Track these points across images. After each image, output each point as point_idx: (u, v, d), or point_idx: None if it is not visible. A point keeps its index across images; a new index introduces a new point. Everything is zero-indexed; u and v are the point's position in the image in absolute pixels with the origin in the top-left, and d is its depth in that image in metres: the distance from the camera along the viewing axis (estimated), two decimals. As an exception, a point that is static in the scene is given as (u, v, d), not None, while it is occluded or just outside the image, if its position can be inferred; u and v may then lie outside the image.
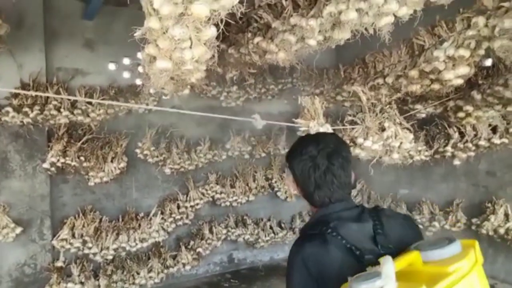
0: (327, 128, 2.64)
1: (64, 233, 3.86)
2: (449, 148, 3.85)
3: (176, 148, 4.46)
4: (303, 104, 2.61)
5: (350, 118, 3.11)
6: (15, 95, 3.59)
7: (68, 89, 4.00)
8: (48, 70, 3.95)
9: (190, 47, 1.72)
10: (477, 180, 4.10)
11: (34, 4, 3.82)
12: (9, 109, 3.57)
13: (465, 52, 2.42)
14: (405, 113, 3.53)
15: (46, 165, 3.73)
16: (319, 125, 2.62)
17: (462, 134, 3.78)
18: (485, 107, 3.12)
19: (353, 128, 3.03)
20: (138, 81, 3.80)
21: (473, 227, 3.92)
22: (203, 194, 4.67)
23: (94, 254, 3.93)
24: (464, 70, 2.56)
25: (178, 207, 4.52)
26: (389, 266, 0.94)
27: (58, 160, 3.72)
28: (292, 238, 5.34)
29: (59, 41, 4.05)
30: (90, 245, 3.89)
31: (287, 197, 5.13)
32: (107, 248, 3.97)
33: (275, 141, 5.00)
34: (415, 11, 2.06)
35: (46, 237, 3.90)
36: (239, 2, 1.56)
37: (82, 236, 3.90)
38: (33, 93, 3.39)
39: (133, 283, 4.10)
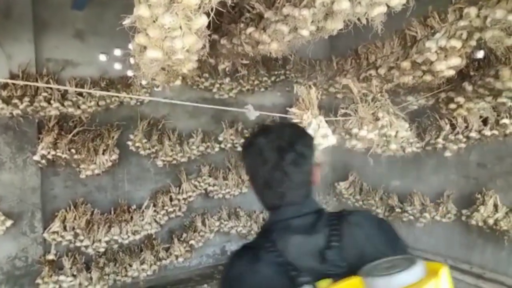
0: (320, 120, 2.64)
1: (56, 225, 3.83)
2: (440, 140, 3.87)
3: (168, 140, 4.43)
4: (298, 94, 2.60)
5: (343, 110, 3.11)
6: (4, 86, 3.53)
7: (58, 81, 3.94)
8: (38, 61, 3.89)
9: (181, 36, 1.70)
10: (467, 171, 4.14)
11: (22, -7, 3.75)
12: (-2, 100, 3.51)
13: (457, 43, 2.43)
14: (397, 105, 3.54)
15: (36, 158, 3.69)
16: (313, 116, 2.62)
17: (453, 126, 3.81)
18: (476, 99, 3.14)
19: (347, 120, 3.04)
20: (130, 73, 3.76)
21: (463, 218, 3.97)
22: (195, 186, 4.66)
23: (86, 246, 3.91)
24: (456, 61, 2.57)
25: (171, 200, 4.51)
26: None
27: (49, 153, 3.68)
28: None
29: (48, 31, 3.98)
30: (82, 237, 3.87)
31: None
32: (99, 241, 3.95)
33: (268, 134, 4.98)
34: (407, 1, 2.06)
35: (37, 230, 3.87)
36: (230, -9, 1.54)
37: (73, 228, 3.87)
38: (22, 83, 3.34)
39: (126, 276, 4.10)
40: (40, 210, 3.89)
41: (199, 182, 4.68)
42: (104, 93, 3.81)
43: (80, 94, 3.83)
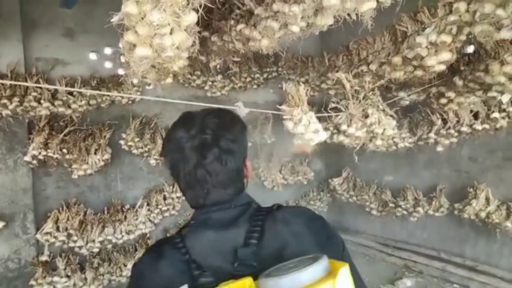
0: (311, 116, 2.65)
1: (48, 226, 3.80)
2: (432, 134, 3.90)
3: (161, 139, 4.41)
4: (287, 91, 2.60)
5: (333, 105, 3.12)
6: (-7, 87, 3.49)
7: (48, 80, 3.90)
8: (27, 60, 3.84)
9: (170, 33, 1.69)
10: (459, 166, 4.18)
11: (10, -8, 3.70)
12: (-13, 101, 3.47)
13: (447, 38, 2.44)
14: (389, 100, 3.55)
15: (27, 158, 3.65)
16: (303, 112, 2.62)
17: (444, 121, 3.84)
18: (467, 93, 3.16)
19: (337, 115, 3.05)
20: (121, 71, 3.73)
21: (456, 212, 4.00)
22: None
23: (80, 247, 3.88)
24: (446, 56, 2.58)
25: (165, 198, 4.49)
26: None
27: (40, 153, 3.65)
28: None
29: (37, 30, 3.93)
30: (75, 238, 3.84)
31: (273, 186, 5.14)
32: (93, 241, 3.93)
33: (261, 131, 4.98)
34: (397, -4, 2.06)
35: (30, 231, 3.84)
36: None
37: (66, 229, 3.85)
38: (11, 83, 3.30)
39: (121, 275, 4.08)
40: (32, 211, 3.86)
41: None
42: (95, 92, 3.77)
43: (71, 93, 3.80)
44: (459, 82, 3.09)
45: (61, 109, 3.73)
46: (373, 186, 5.03)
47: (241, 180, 1.01)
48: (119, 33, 1.80)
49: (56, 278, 3.76)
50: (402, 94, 3.67)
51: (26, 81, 3.66)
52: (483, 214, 3.72)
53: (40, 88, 3.63)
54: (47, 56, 3.99)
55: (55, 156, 3.70)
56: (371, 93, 2.87)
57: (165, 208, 4.43)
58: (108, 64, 3.89)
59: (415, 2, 2.67)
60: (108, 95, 3.97)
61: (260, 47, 2.66)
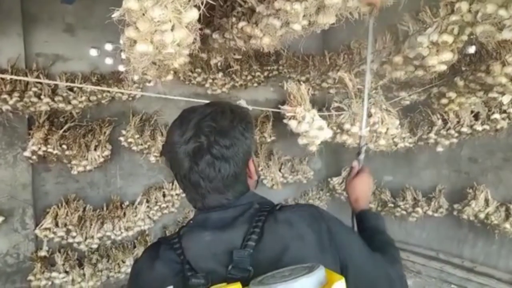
0: (314, 113, 2.64)
1: (47, 222, 3.80)
2: (432, 135, 3.90)
3: (161, 136, 4.40)
4: (289, 90, 2.59)
5: (336, 104, 3.11)
6: (-7, 82, 3.49)
7: (48, 75, 3.89)
8: (27, 55, 3.84)
9: (171, 30, 1.68)
10: (459, 166, 4.18)
11: (11, -13, 3.69)
12: (-13, 96, 3.47)
13: (448, 38, 2.43)
14: (390, 100, 3.55)
15: (27, 154, 3.65)
16: (305, 111, 2.62)
17: (445, 121, 3.84)
18: (468, 94, 3.15)
19: (339, 114, 3.04)
20: (121, 67, 3.72)
21: (455, 213, 4.00)
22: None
23: (79, 243, 3.88)
24: (448, 56, 2.57)
25: (164, 195, 4.49)
26: None
27: (40, 148, 3.64)
28: None
29: (38, 25, 3.92)
30: (74, 234, 3.84)
31: (273, 185, 5.14)
32: (92, 237, 3.92)
33: (261, 129, 4.98)
34: (399, -5, 2.05)
35: (29, 226, 3.84)
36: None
37: (65, 225, 3.84)
38: (12, 77, 3.29)
39: (119, 272, 4.08)
40: (32, 207, 3.86)
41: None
42: (95, 88, 3.77)
43: (71, 89, 3.79)
44: (460, 82, 3.09)
45: (61, 105, 3.72)
46: (372, 186, 5.02)
47: (241, 183, 0.97)
48: (120, 29, 1.80)
49: (54, 274, 3.76)
50: (402, 94, 3.66)
51: (26, 76, 3.65)
52: (482, 215, 3.73)
53: (41, 83, 3.63)
54: (48, 51, 3.98)
55: (55, 151, 3.70)
56: (374, 92, 2.87)
57: (164, 205, 4.43)
58: (108, 60, 3.88)
59: (417, 2, 2.66)
60: (109, 91, 3.96)
61: (261, 45, 2.65)
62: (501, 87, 2.81)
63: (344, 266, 0.90)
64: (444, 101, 3.37)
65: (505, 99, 2.99)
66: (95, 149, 3.93)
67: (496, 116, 3.48)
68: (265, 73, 4.97)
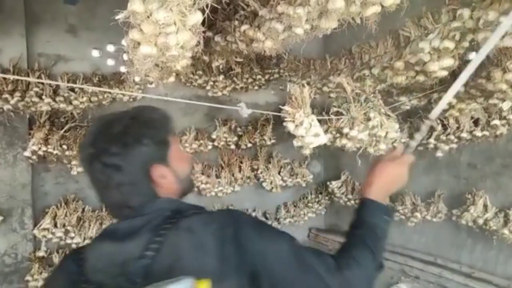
0: (312, 119, 2.65)
1: (46, 222, 3.79)
2: (432, 140, 3.91)
3: (161, 138, 4.41)
4: (291, 92, 2.60)
5: (335, 109, 3.12)
6: (-6, 81, 3.49)
7: (50, 76, 3.90)
8: (29, 55, 3.84)
9: (175, 32, 1.69)
10: (458, 172, 4.18)
11: (14, -13, 3.70)
12: (-12, 95, 3.47)
13: (450, 44, 2.45)
14: (390, 105, 3.56)
15: (27, 153, 3.65)
16: (305, 115, 2.63)
17: (445, 127, 3.85)
18: (468, 100, 3.17)
19: (338, 119, 3.05)
20: (123, 69, 3.72)
21: (454, 218, 4.00)
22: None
23: (77, 243, 3.87)
24: (449, 62, 2.59)
25: (163, 197, 4.49)
26: None
27: (40, 149, 3.64)
28: (277, 228, 5.36)
29: (40, 26, 3.93)
30: (72, 234, 3.84)
31: (272, 188, 5.14)
32: (90, 238, 3.91)
33: (261, 132, 4.99)
34: (401, 1, 2.07)
35: (27, 226, 3.83)
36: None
37: (64, 225, 3.84)
38: (13, 77, 3.30)
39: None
40: (31, 207, 3.85)
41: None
42: (97, 89, 3.78)
43: (72, 89, 3.80)
44: (460, 88, 3.10)
45: (62, 105, 3.73)
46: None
47: (144, 191, 0.92)
48: (122, 30, 1.81)
49: (52, 274, 3.75)
50: (403, 99, 3.68)
51: (28, 76, 3.66)
52: (480, 221, 3.73)
53: (42, 83, 3.63)
54: (50, 52, 3.99)
55: (55, 152, 3.70)
56: (372, 95, 2.88)
57: (163, 206, 4.43)
58: (110, 62, 3.90)
59: (419, 8, 2.68)
60: (110, 92, 3.97)
61: (263, 49, 2.66)
62: (502, 93, 2.83)
63: (257, 275, 0.84)
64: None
65: (505, 106, 3.01)
66: (95, 150, 3.92)
67: (496, 122, 3.49)
68: (266, 76, 4.99)
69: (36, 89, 3.61)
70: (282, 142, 5.00)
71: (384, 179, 1.17)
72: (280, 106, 2.69)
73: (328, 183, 5.42)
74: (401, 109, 3.85)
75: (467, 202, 3.91)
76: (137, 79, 3.81)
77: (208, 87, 4.66)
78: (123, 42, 1.98)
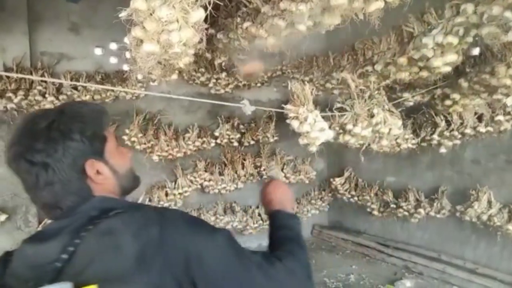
0: (316, 114, 2.65)
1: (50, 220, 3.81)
2: (435, 136, 3.89)
3: (164, 135, 4.42)
4: (293, 90, 2.59)
5: (339, 105, 3.11)
6: (-2, 80, 3.51)
7: (53, 74, 3.92)
8: (32, 54, 3.86)
9: (178, 30, 1.69)
10: (462, 167, 4.17)
11: (16, -15, 3.71)
12: (-8, 94, 3.49)
13: (453, 39, 2.43)
14: (393, 101, 3.55)
15: (31, 152, 3.66)
16: (308, 111, 2.62)
17: (448, 123, 3.83)
18: (472, 95, 3.15)
19: (342, 115, 3.04)
20: (126, 67, 3.73)
21: (457, 214, 3.99)
22: (191, 181, 4.66)
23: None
24: (452, 57, 2.57)
25: (166, 195, 4.51)
26: None
27: (43, 147, 3.65)
28: (213, 225, 5.36)
29: (43, 24, 3.95)
30: (77, 232, 3.85)
31: (275, 184, 5.14)
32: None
33: (264, 129, 4.99)
34: (404, -3, 2.06)
35: (32, 224, 3.86)
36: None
37: (68, 223, 3.86)
38: (17, 76, 3.31)
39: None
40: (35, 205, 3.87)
41: (195, 177, 4.68)
42: (100, 86, 3.78)
43: (75, 88, 3.81)
44: (464, 84, 3.08)
45: (65, 104, 3.74)
46: (374, 187, 5.03)
47: (76, 190, 0.86)
48: (125, 28, 1.81)
49: (57, 272, 3.77)
50: (406, 95, 3.66)
51: (31, 74, 3.67)
52: (484, 217, 3.72)
53: (45, 82, 3.65)
54: (53, 50, 4.00)
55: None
56: (376, 92, 2.87)
57: (167, 204, 4.45)
58: (113, 60, 3.90)
59: (422, 3, 2.66)
60: (112, 90, 3.98)
61: (266, 46, 2.66)
62: (506, 88, 2.81)
63: (191, 275, 0.78)
64: (448, 102, 3.36)
65: (509, 101, 2.99)
66: (98, 148, 3.93)
67: (500, 117, 3.47)
68: (269, 73, 4.98)
69: (39, 87, 3.63)
70: (285, 139, 5.00)
71: (279, 195, 1.26)
72: (283, 105, 2.68)
73: (331, 179, 5.42)
74: (404, 105, 3.83)
75: (471, 198, 3.89)
76: (139, 77, 3.82)
77: (210, 85, 4.66)
78: (126, 40, 1.98)
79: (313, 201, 5.65)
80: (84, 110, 0.93)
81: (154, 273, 0.74)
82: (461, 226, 4.12)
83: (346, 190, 5.29)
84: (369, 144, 3.05)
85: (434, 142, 3.91)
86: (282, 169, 5.21)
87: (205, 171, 4.77)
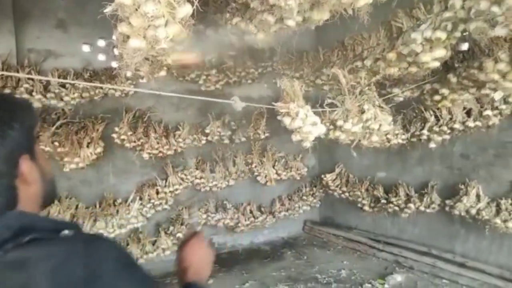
0: (308, 109, 2.64)
1: None
2: (425, 131, 3.92)
3: (154, 133, 4.38)
4: (282, 87, 2.59)
5: (330, 100, 3.11)
6: (-17, 78, 3.44)
7: (40, 72, 3.85)
8: (19, 51, 3.79)
9: (164, 25, 1.66)
10: (451, 162, 4.21)
11: (1, -19, 3.63)
12: (-23, 92, 3.42)
13: (441, 34, 2.44)
14: (383, 96, 3.56)
15: (18, 151, 3.60)
16: (299, 107, 2.61)
17: (437, 118, 3.86)
18: (460, 90, 3.17)
19: (333, 111, 3.04)
20: (114, 64, 3.69)
21: (447, 209, 4.03)
22: (182, 179, 4.63)
23: (71, 240, 3.85)
24: (441, 52, 2.59)
25: (157, 193, 4.47)
26: None
27: (31, 145, 3.60)
28: (272, 222, 5.39)
29: (30, 21, 3.87)
30: (66, 231, 3.81)
31: (267, 181, 5.15)
32: (85, 235, 3.90)
33: (255, 126, 4.98)
34: (393, -8, 2.06)
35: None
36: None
37: (58, 222, 3.81)
38: (3, 74, 3.25)
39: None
40: (23, 204, 3.81)
41: (185, 174, 4.65)
42: (88, 84, 3.73)
43: (63, 85, 3.75)
44: (453, 79, 3.10)
45: (53, 102, 3.69)
46: (365, 182, 5.05)
47: (4, 190, 0.72)
48: (113, 25, 1.78)
49: (47, 272, 3.73)
50: (396, 90, 3.68)
51: (17, 72, 3.60)
52: (473, 211, 3.76)
53: (32, 80, 3.59)
54: (40, 47, 3.94)
55: (47, 149, 3.66)
56: (367, 88, 2.87)
57: (157, 202, 4.42)
58: (101, 57, 3.85)
59: (411, -2, 2.67)
60: (101, 88, 3.93)
61: (255, 41, 2.64)
62: (494, 83, 2.84)
63: None
64: (437, 97, 3.39)
65: (497, 96, 3.02)
66: (87, 146, 3.89)
67: (488, 112, 3.51)
68: (259, 70, 4.97)
69: (26, 85, 3.57)
70: (277, 135, 5.00)
71: (196, 262, 1.16)
72: (273, 103, 2.67)
73: (322, 176, 5.43)
74: (394, 101, 3.85)
75: (460, 192, 3.94)
76: (128, 74, 3.78)
77: (200, 81, 4.63)
78: (114, 36, 1.95)
79: (304, 197, 5.66)
80: (20, 100, 0.84)
81: None
82: (451, 221, 4.17)
83: (337, 186, 5.31)
84: (359, 140, 3.06)
85: (424, 137, 3.94)
86: (273, 166, 5.20)
87: (196, 168, 4.75)
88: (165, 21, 1.63)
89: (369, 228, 5.22)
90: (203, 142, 4.75)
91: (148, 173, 4.61)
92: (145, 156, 4.30)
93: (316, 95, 4.58)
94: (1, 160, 0.71)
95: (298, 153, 5.47)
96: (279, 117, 2.72)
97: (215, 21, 2.90)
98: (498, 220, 3.57)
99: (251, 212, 5.25)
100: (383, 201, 4.67)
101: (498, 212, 3.63)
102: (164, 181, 4.56)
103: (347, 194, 5.19)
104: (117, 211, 4.17)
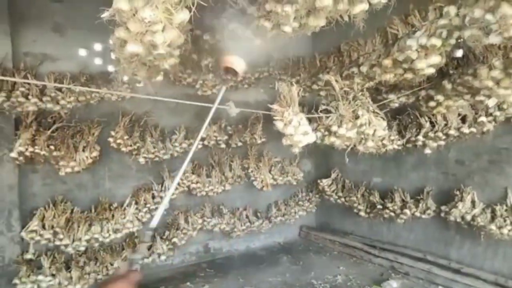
0: (301, 117, 2.65)
1: (34, 224, 3.74)
2: (420, 137, 3.95)
3: (150, 137, 4.38)
4: (280, 90, 2.60)
5: (324, 107, 3.13)
6: (-21, 81, 3.42)
7: (36, 75, 3.84)
8: (15, 55, 3.78)
9: (162, 31, 1.67)
10: (446, 168, 4.23)
11: (-2, -15, 3.63)
12: (-27, 95, 3.40)
13: (436, 41, 2.47)
14: (379, 102, 3.58)
15: (13, 154, 3.58)
16: (294, 114, 2.63)
17: (433, 124, 3.89)
18: (455, 97, 3.20)
19: (327, 117, 3.06)
20: (111, 68, 3.69)
21: (442, 214, 4.05)
22: (178, 183, 4.61)
23: (66, 245, 3.82)
24: (436, 59, 2.61)
25: (153, 197, 4.46)
26: None
27: (27, 149, 3.58)
28: (268, 227, 5.38)
29: (26, 24, 3.87)
30: (61, 236, 3.78)
31: (263, 186, 5.14)
32: (79, 240, 3.87)
33: (251, 131, 4.98)
34: (389, -1, 2.08)
35: (15, 228, 3.77)
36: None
37: (52, 227, 3.78)
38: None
39: (107, 274, 4.03)
40: (18, 208, 3.79)
41: (182, 179, 4.64)
42: (84, 88, 3.73)
43: (59, 89, 3.74)
44: (448, 85, 3.13)
45: (49, 105, 3.67)
46: (361, 188, 5.07)
47: None
48: (110, 29, 1.78)
49: (40, 277, 3.70)
50: (391, 96, 3.70)
51: (13, 76, 3.60)
52: (468, 217, 3.77)
53: (28, 83, 3.57)
54: (36, 51, 3.93)
55: (42, 152, 3.64)
56: (360, 93, 2.89)
57: (153, 207, 4.39)
58: (98, 61, 3.85)
59: (407, 5, 2.70)
60: (98, 92, 3.92)
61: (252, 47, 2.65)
62: (488, 90, 2.86)
63: None
64: (432, 103, 3.41)
65: (491, 102, 3.04)
66: (83, 150, 3.88)
67: (483, 119, 3.54)
68: (256, 75, 4.98)
69: (22, 89, 3.55)
70: (273, 140, 5.00)
71: None
72: (269, 105, 2.68)
73: (318, 181, 5.44)
74: (389, 107, 3.88)
75: (455, 198, 3.95)
76: (125, 78, 3.78)
77: (197, 86, 4.64)
78: (111, 41, 1.95)
79: (300, 203, 5.67)
80: None
81: None
82: (446, 227, 4.18)
83: (333, 191, 5.32)
84: (354, 145, 3.07)
85: (419, 143, 3.97)
86: (270, 171, 5.20)
87: (192, 173, 4.74)
88: (163, 27, 1.64)
89: (365, 233, 5.23)
90: (200, 146, 4.74)
91: (144, 177, 4.60)
92: (141, 160, 4.29)
93: (312, 100, 4.61)
94: None
95: (294, 158, 5.48)
96: (274, 122, 2.73)
97: (211, 27, 2.91)
98: (493, 227, 3.58)
99: (247, 217, 5.25)
100: (379, 206, 4.68)
101: (493, 218, 3.64)
102: (160, 186, 4.54)
103: (343, 199, 5.20)
104: (113, 216, 4.14)
